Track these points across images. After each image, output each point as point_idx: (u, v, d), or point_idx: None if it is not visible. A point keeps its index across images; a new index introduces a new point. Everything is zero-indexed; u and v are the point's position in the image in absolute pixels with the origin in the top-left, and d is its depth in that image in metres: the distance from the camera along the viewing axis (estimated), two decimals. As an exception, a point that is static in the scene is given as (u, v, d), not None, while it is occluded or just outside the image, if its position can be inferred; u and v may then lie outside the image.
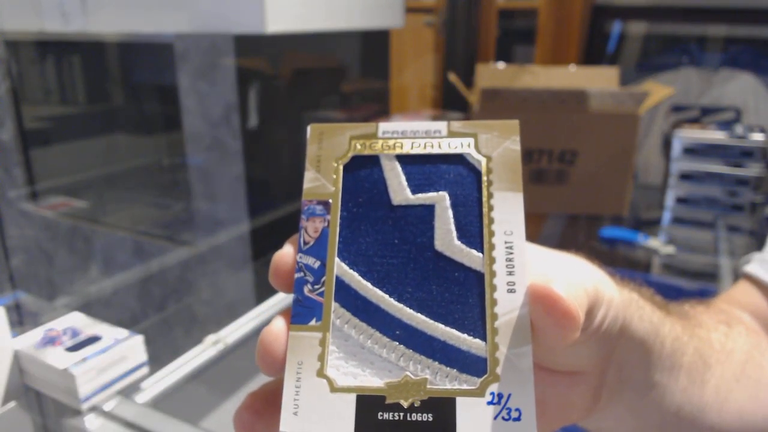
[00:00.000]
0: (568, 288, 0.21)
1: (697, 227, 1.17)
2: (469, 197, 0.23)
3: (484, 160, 0.23)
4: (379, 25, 1.21)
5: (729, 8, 1.63)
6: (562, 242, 1.11)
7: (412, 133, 0.25)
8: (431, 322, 0.21)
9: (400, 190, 0.24)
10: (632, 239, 1.08)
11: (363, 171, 0.24)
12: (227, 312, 1.42)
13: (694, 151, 1.16)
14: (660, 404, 0.31)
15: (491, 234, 0.22)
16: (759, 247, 0.49)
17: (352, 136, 0.25)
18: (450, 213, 0.23)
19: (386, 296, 0.22)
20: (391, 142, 0.24)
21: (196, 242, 1.46)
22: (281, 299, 0.91)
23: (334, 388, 0.20)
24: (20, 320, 0.88)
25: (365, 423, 0.19)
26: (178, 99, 1.34)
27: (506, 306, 0.21)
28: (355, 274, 0.22)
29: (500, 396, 0.19)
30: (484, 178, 0.23)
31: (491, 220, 0.22)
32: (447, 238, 0.22)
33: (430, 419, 0.19)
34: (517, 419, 0.19)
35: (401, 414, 0.19)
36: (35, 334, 0.64)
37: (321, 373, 0.20)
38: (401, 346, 0.21)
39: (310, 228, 0.23)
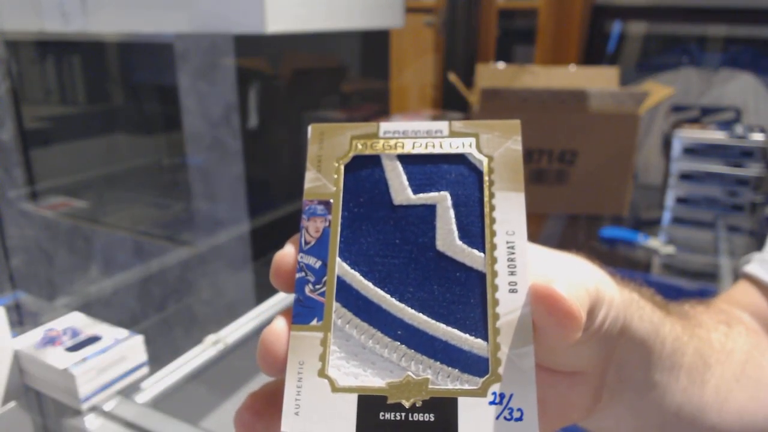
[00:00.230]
0: (569, 288, 0.21)
1: (697, 227, 1.17)
2: (471, 197, 0.23)
3: (485, 160, 0.23)
4: (379, 25, 1.21)
5: (729, 8, 1.63)
6: (563, 242, 1.11)
7: (413, 133, 0.25)
8: (433, 322, 0.21)
9: (401, 189, 0.24)
10: (632, 239, 1.08)
11: (364, 171, 0.24)
12: (227, 312, 1.42)
13: (694, 151, 1.16)
14: (660, 404, 0.31)
15: (493, 234, 0.22)
16: (759, 247, 0.49)
17: (353, 135, 0.25)
18: (451, 213, 0.23)
19: (388, 296, 0.22)
20: (392, 142, 0.24)
21: (196, 242, 1.46)
22: (281, 299, 0.91)
23: (335, 388, 0.20)
24: (20, 320, 0.88)
25: (367, 423, 0.19)
26: (178, 99, 1.34)
27: (508, 306, 0.21)
28: (357, 274, 0.22)
29: (502, 396, 0.19)
30: (486, 178, 0.23)
31: (493, 220, 0.22)
32: (448, 238, 0.22)
33: (432, 419, 0.19)
34: (519, 419, 0.19)
35: (403, 414, 0.19)
36: (35, 334, 0.64)
37: (322, 373, 0.20)
38: (403, 346, 0.21)
39: (312, 228, 0.23)
